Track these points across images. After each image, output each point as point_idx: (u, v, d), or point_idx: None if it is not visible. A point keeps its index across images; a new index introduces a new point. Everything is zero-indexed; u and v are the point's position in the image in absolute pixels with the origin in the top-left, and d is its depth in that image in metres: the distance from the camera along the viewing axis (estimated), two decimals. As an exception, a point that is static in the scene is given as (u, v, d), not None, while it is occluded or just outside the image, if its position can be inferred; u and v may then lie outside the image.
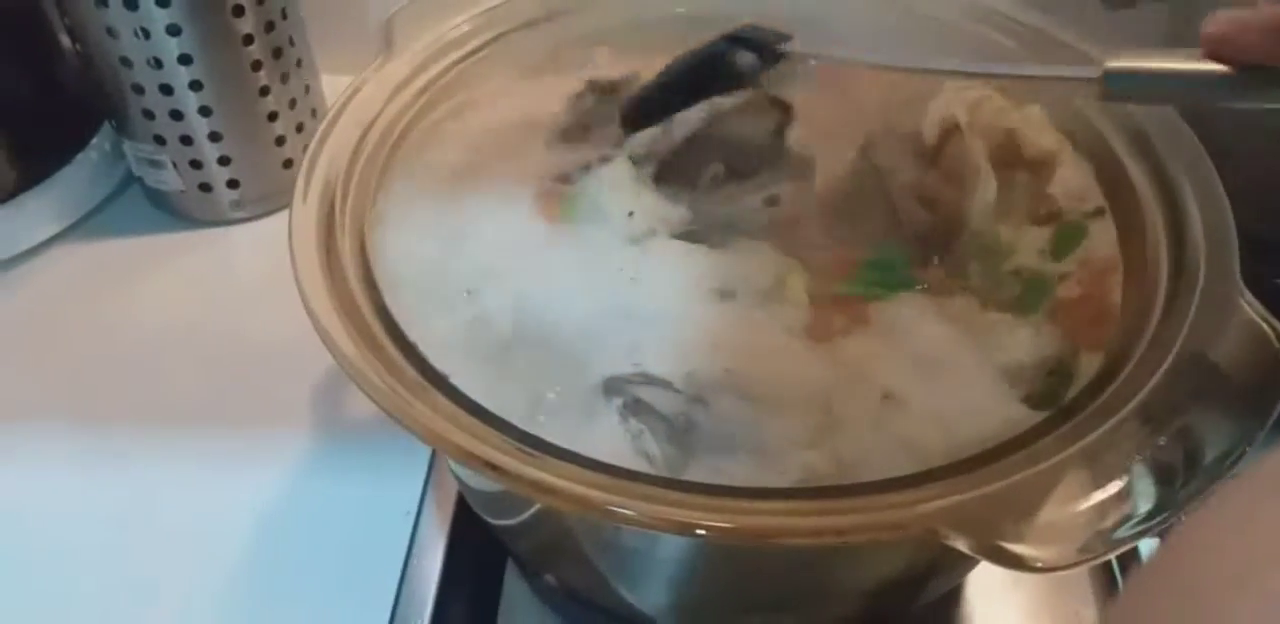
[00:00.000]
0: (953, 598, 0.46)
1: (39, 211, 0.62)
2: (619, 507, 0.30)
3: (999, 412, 0.35)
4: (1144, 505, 0.29)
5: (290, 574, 0.48)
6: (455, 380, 0.35)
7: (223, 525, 0.50)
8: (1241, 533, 0.19)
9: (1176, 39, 0.58)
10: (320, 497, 0.51)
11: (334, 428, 0.54)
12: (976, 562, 0.43)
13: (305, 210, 0.38)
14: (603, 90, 0.45)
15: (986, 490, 0.29)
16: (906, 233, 0.42)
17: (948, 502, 0.29)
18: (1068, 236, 0.41)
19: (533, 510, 0.41)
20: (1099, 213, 0.41)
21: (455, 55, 0.47)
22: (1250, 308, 0.33)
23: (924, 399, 0.35)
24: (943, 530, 0.28)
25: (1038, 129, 0.44)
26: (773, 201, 0.40)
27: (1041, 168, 0.43)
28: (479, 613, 0.47)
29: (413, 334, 0.36)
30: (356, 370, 0.34)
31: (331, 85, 0.65)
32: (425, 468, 0.51)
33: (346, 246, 0.38)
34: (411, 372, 0.35)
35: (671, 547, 0.37)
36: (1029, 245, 0.41)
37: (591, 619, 0.46)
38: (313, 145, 0.41)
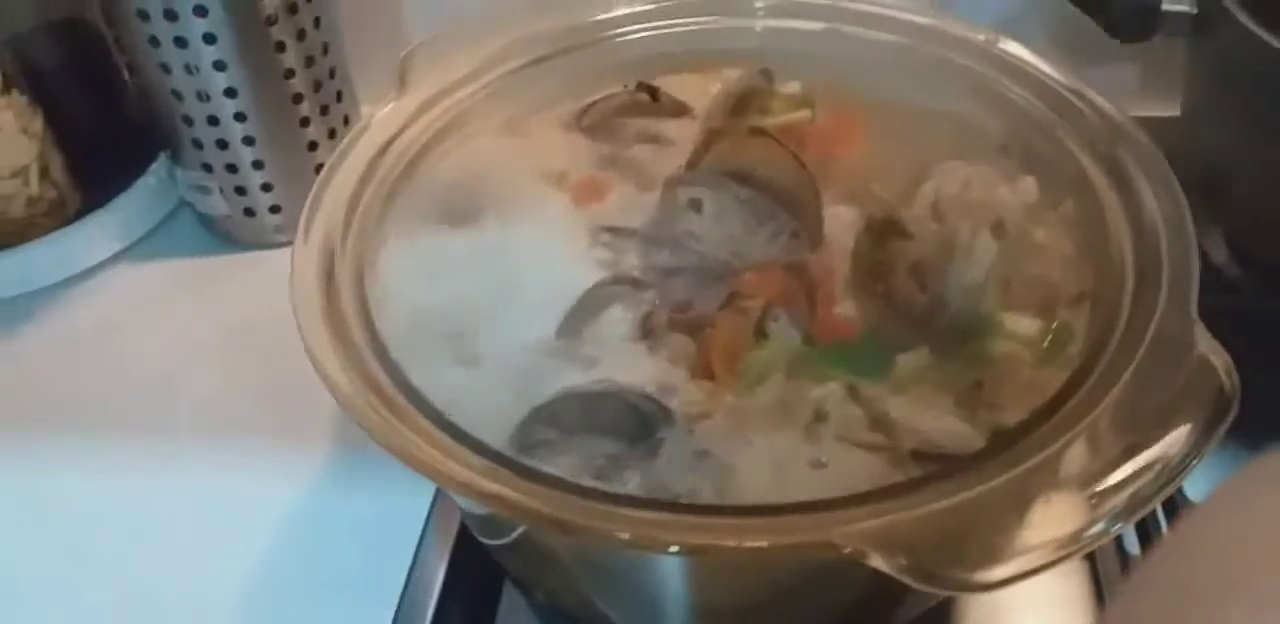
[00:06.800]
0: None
1: (100, 233, 0.67)
2: (593, 523, 0.32)
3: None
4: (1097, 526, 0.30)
5: (301, 581, 0.50)
6: (437, 404, 0.37)
7: (244, 532, 0.53)
8: (1238, 536, 0.19)
9: (1193, 73, 0.58)
10: (336, 509, 0.53)
11: (354, 443, 0.56)
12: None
13: (306, 251, 0.40)
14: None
15: (917, 512, 0.30)
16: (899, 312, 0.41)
17: (877, 522, 0.30)
18: (1059, 344, 0.39)
19: (516, 533, 0.43)
20: (1082, 298, 0.39)
21: (467, 90, 0.49)
22: (1201, 340, 0.33)
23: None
24: (867, 551, 0.29)
25: (1031, 212, 0.43)
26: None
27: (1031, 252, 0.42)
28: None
29: (403, 362, 0.38)
30: (349, 402, 0.37)
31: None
32: (434, 485, 0.53)
33: (346, 280, 0.40)
34: (400, 398, 0.37)
35: (646, 565, 0.39)
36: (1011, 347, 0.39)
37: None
38: (320, 179, 0.43)
